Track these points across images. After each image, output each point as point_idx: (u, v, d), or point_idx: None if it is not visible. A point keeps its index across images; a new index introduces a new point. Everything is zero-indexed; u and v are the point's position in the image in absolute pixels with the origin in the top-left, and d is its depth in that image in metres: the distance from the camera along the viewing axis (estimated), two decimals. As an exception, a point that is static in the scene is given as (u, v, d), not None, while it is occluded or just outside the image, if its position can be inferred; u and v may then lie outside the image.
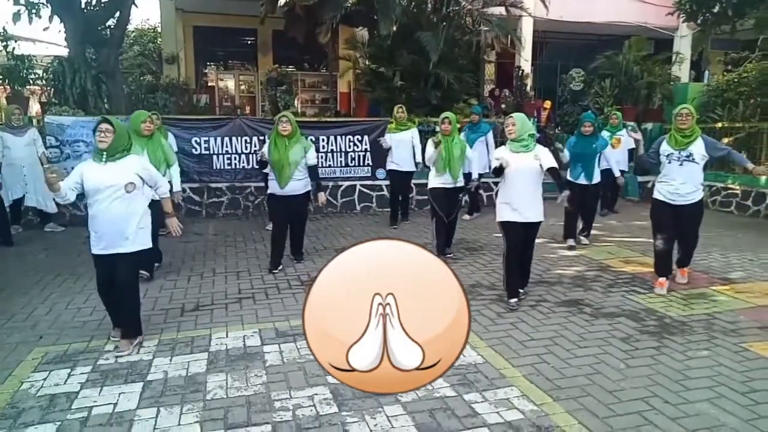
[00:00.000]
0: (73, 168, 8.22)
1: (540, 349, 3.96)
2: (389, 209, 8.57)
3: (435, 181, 6.20)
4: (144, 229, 3.98)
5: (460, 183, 6.28)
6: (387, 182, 9.45)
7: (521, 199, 4.76)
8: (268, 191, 5.98)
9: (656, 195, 5.25)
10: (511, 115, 4.96)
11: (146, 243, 4.02)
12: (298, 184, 5.86)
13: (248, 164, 9.03)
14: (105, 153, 3.81)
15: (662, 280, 5.25)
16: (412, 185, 8.88)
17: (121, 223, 3.83)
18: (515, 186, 4.76)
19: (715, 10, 10.26)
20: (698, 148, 5.04)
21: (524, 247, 4.95)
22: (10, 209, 7.34)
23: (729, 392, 3.34)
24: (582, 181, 6.80)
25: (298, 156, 5.76)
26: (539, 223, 4.90)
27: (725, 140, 9.65)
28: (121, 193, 3.80)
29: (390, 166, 8.16)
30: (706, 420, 3.05)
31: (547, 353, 3.89)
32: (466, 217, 8.82)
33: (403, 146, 7.99)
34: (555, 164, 4.77)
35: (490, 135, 8.54)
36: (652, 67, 12.02)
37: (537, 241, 7.05)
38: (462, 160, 6.16)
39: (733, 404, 3.20)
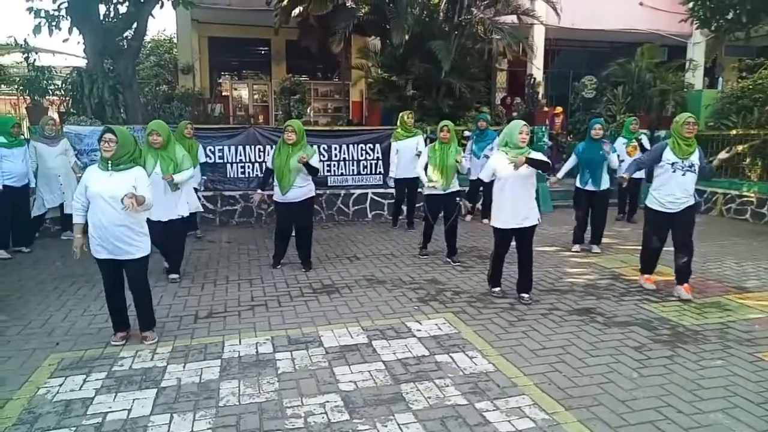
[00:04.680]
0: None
1: (552, 357, 3.95)
2: (393, 215, 8.81)
3: (428, 188, 6.54)
4: (145, 235, 4.17)
5: (455, 188, 6.53)
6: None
7: (515, 205, 4.95)
8: (273, 197, 6.19)
9: (652, 204, 5.31)
10: (525, 123, 5.04)
11: (148, 249, 4.20)
12: (300, 192, 5.98)
13: (261, 173, 9.10)
14: (110, 162, 3.94)
15: (650, 276, 5.60)
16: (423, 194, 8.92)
17: (121, 232, 3.98)
18: (509, 193, 4.95)
19: (729, 16, 10.18)
20: (696, 158, 5.14)
21: (521, 251, 5.12)
22: (33, 218, 7.46)
23: (743, 402, 3.31)
24: (589, 187, 6.84)
25: (300, 164, 5.88)
26: (533, 226, 5.03)
27: (740, 147, 9.56)
28: (119, 204, 3.91)
29: (396, 174, 8.21)
30: (719, 430, 3.03)
31: (559, 362, 3.87)
32: (486, 221, 8.90)
33: (408, 153, 8.04)
34: (545, 159, 5.01)
35: (497, 142, 8.57)
36: (665, 75, 11.97)
37: (548, 249, 7.14)
38: (455, 169, 6.42)
39: (748, 414, 3.17)
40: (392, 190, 9.46)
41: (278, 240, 6.34)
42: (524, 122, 5.04)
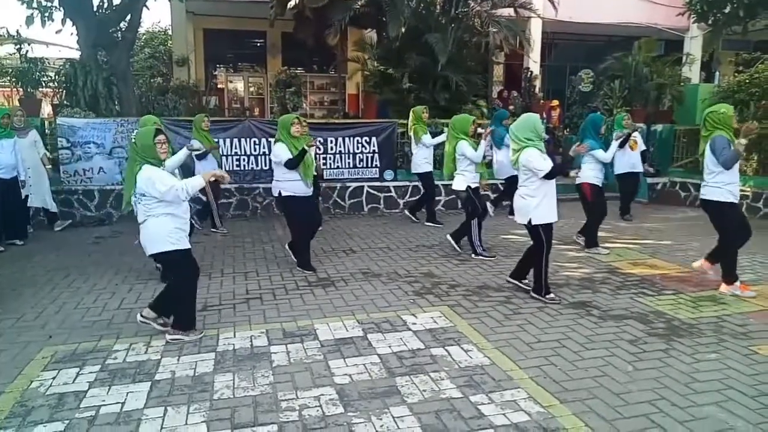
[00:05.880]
0: (85, 170, 8.39)
1: (547, 351, 3.94)
2: (427, 210, 8.47)
3: (472, 180, 6.40)
4: None
5: None
6: (396, 183, 9.48)
7: (555, 198, 4.94)
8: (286, 194, 5.78)
9: (729, 198, 5.03)
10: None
11: None
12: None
13: (257, 165, 9.08)
14: (162, 164, 4.02)
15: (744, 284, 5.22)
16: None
17: None
18: (551, 187, 4.91)
19: (727, 10, 10.19)
20: None
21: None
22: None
23: (738, 395, 3.31)
24: (602, 182, 6.73)
25: (312, 153, 5.88)
26: None
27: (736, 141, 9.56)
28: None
29: (427, 167, 8.16)
30: (714, 423, 3.02)
31: (554, 355, 3.87)
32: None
33: (429, 147, 8.06)
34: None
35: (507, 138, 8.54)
36: (662, 68, 11.95)
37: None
38: None
39: (742, 407, 3.17)
40: (388, 184, 9.49)
41: (308, 237, 6.06)
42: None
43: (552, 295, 4.98)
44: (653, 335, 4.21)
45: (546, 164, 4.76)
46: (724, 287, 5.17)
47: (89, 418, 3.08)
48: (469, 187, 6.38)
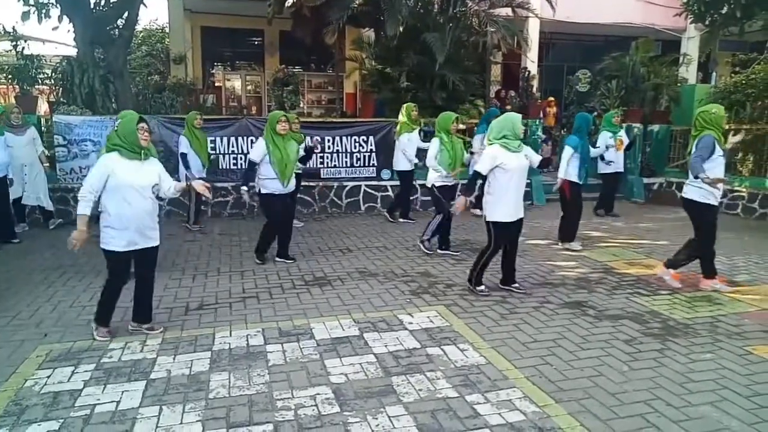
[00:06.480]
0: (81, 167, 8.36)
1: (543, 350, 3.95)
2: (405, 208, 8.56)
3: (440, 179, 6.42)
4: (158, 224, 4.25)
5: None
6: (393, 183, 9.45)
7: (516, 198, 4.96)
8: (264, 191, 5.91)
9: (708, 200, 5.04)
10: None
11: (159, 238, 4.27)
12: (294, 180, 6.07)
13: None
14: (143, 151, 3.99)
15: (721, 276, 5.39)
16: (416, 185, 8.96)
17: (148, 220, 4.05)
18: (511, 185, 4.91)
19: (724, 11, 10.19)
20: None
21: (512, 242, 5.14)
22: (14, 207, 7.36)
23: (732, 395, 3.32)
24: (582, 181, 6.79)
25: (296, 152, 5.96)
26: (522, 217, 5.13)
27: (736, 138, 9.63)
28: (149, 193, 4.02)
29: (409, 166, 8.17)
30: (708, 423, 3.03)
31: (550, 355, 3.87)
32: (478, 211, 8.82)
33: (413, 145, 8.06)
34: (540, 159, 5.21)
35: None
36: (659, 69, 11.96)
37: (540, 242, 7.17)
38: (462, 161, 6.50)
39: (737, 407, 3.18)
40: (385, 183, 9.49)
41: (272, 234, 6.16)
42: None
43: (482, 288, 5.11)
44: (649, 335, 4.22)
45: (482, 167, 4.88)
46: (704, 282, 5.29)
47: (84, 417, 3.07)
48: (434, 185, 6.44)
